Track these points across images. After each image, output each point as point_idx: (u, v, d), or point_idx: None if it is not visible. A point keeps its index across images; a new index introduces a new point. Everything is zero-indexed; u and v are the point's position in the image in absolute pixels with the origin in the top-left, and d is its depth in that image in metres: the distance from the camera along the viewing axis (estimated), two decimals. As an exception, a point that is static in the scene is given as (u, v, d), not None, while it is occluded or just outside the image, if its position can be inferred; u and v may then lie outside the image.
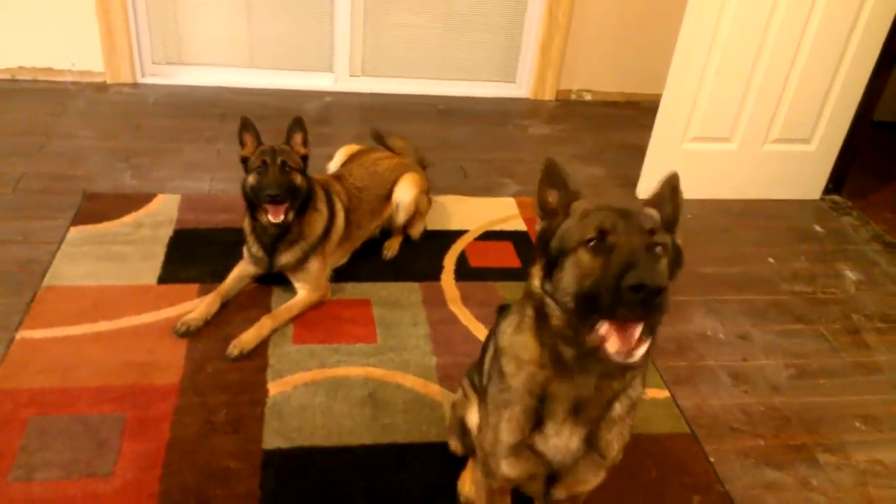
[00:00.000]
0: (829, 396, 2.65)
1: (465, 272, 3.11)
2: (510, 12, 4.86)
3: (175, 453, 2.13)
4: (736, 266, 3.39)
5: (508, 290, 2.95)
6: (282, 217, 2.65)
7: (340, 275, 2.98)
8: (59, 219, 3.14)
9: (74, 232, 3.06)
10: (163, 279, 2.85)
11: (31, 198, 3.29)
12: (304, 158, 2.78)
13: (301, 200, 2.74)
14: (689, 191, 3.83)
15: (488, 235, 3.39)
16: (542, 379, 1.43)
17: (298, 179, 2.71)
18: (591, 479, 1.56)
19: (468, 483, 2.09)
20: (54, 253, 2.91)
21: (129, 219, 3.19)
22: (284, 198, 2.64)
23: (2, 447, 2.09)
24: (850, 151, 3.99)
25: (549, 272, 1.36)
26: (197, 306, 2.66)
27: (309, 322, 2.73)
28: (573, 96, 5.10)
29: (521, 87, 5.07)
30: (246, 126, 2.73)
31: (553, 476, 1.53)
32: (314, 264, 2.80)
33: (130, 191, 3.44)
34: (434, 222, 3.43)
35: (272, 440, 2.21)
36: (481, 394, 1.69)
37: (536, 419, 1.48)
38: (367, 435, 2.28)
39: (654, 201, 1.44)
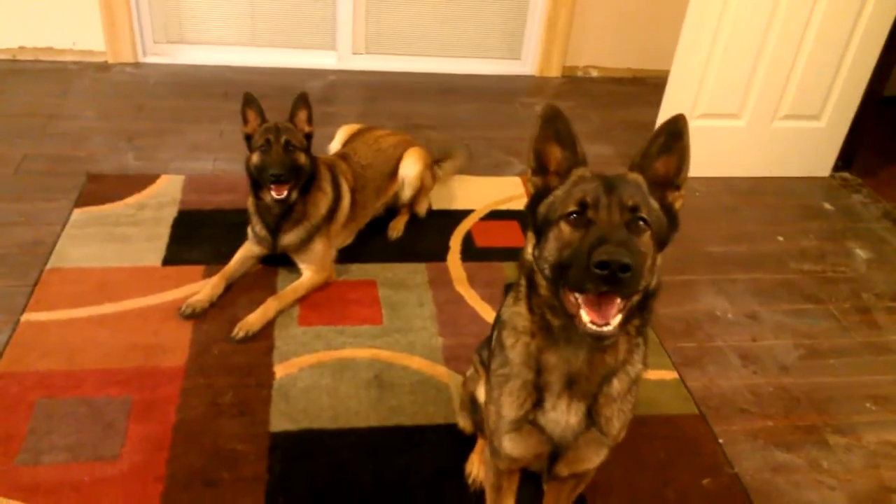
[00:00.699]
0: (839, 377, 2.63)
1: (471, 252, 3.08)
2: (515, -12, 4.80)
3: (181, 436, 2.13)
4: (744, 245, 3.36)
5: (515, 270, 2.92)
6: (284, 193, 2.62)
7: (345, 255, 2.96)
8: (63, 200, 3.12)
9: (78, 213, 3.04)
10: (167, 261, 2.84)
11: (34, 179, 3.27)
12: (308, 137, 2.75)
13: (304, 180, 2.71)
14: (696, 168, 3.79)
15: (494, 215, 3.36)
16: (535, 349, 1.44)
17: (302, 158, 2.69)
18: (593, 457, 1.56)
19: (476, 465, 2.09)
20: (58, 235, 2.90)
21: (132, 200, 3.17)
22: (288, 177, 2.62)
23: (10, 430, 2.09)
24: (859, 128, 3.94)
25: (538, 240, 1.37)
26: (202, 288, 2.65)
27: (314, 303, 2.71)
28: (579, 73, 5.04)
29: (526, 64, 5.02)
30: (249, 102, 2.69)
31: (556, 453, 1.52)
32: (318, 245, 2.78)
33: (134, 172, 3.41)
34: (439, 202, 3.40)
35: (279, 422, 2.21)
36: (487, 370, 1.68)
37: (537, 395, 1.47)
38: (374, 417, 2.27)
39: (654, 151, 1.39)
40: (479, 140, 4.04)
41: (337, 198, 2.86)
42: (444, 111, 4.36)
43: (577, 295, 1.27)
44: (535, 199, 1.43)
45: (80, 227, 2.97)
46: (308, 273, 2.77)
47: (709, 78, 3.62)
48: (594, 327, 1.26)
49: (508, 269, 2.97)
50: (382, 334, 2.60)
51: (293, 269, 2.81)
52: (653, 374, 2.52)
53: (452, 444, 2.17)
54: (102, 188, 3.23)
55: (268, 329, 2.56)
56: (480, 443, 2.10)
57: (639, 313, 1.39)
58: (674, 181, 1.40)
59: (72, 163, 3.42)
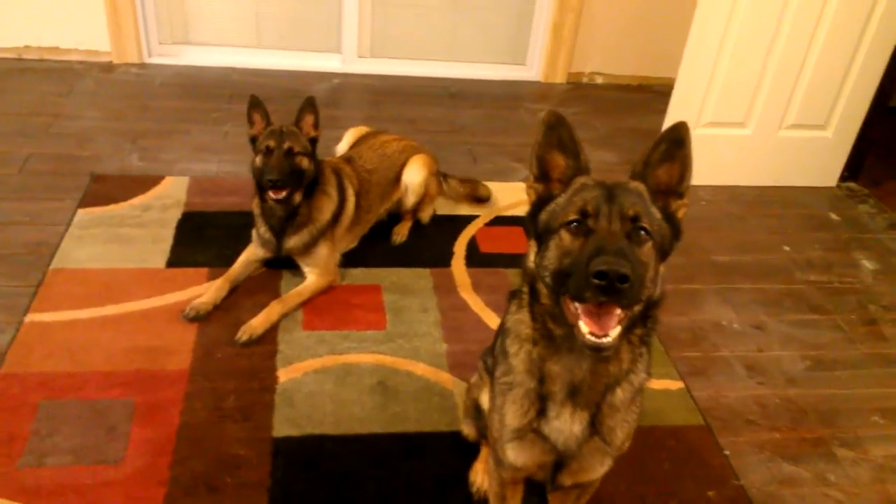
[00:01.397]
0: (846, 389, 2.62)
1: (475, 258, 3.07)
2: (522, -7, 4.80)
3: (184, 440, 2.11)
4: (750, 254, 3.35)
5: (519, 277, 2.91)
6: (283, 195, 2.61)
7: (350, 260, 2.95)
8: (67, 200, 3.11)
9: (82, 214, 3.03)
10: (171, 263, 2.83)
11: (39, 179, 3.26)
12: (314, 141, 2.73)
13: (307, 184, 2.70)
14: (702, 177, 3.83)
15: (499, 221, 3.35)
16: (537, 357, 1.43)
17: (305, 163, 2.67)
18: (597, 467, 1.55)
19: (480, 473, 2.07)
20: (62, 235, 2.89)
21: (137, 201, 3.16)
22: (285, 183, 2.60)
23: (12, 431, 2.08)
24: (866, 138, 3.93)
25: (540, 248, 1.36)
26: (206, 291, 2.64)
27: (319, 308, 2.70)
28: (585, 79, 5.03)
29: (531, 70, 5.01)
30: (255, 105, 2.69)
31: (560, 463, 1.51)
32: (323, 249, 2.77)
33: (138, 173, 3.40)
34: (444, 207, 3.39)
35: (282, 428, 2.19)
36: (492, 377, 1.67)
37: (540, 404, 1.46)
38: (378, 423, 2.25)
39: (655, 159, 1.38)
40: (484, 146, 4.03)
41: (341, 202, 2.85)
42: (449, 116, 4.35)
43: (576, 305, 1.27)
44: (537, 206, 1.42)
45: (84, 227, 2.96)
46: (312, 277, 2.76)
47: (715, 86, 3.61)
48: (593, 339, 1.25)
49: (513, 276, 2.95)
50: (387, 340, 2.58)
51: (297, 272, 2.80)
52: (658, 385, 2.50)
53: (456, 451, 2.16)
54: (107, 189, 3.22)
55: (272, 333, 2.54)
56: (484, 451, 2.09)
57: (642, 322, 1.38)
58: (676, 189, 1.39)
59: (76, 163, 3.42)
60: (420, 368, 2.47)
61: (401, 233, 3.16)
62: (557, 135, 1.40)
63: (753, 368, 2.66)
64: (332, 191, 2.82)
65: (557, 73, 4.93)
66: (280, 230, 2.74)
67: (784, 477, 2.24)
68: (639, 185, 1.37)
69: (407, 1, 4.72)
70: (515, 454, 1.54)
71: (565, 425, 1.45)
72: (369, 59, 4.83)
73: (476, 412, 2.02)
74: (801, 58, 3.60)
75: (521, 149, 4.01)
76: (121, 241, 2.90)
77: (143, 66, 4.48)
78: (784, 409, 2.49)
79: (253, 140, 2.71)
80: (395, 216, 3.22)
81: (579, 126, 4.26)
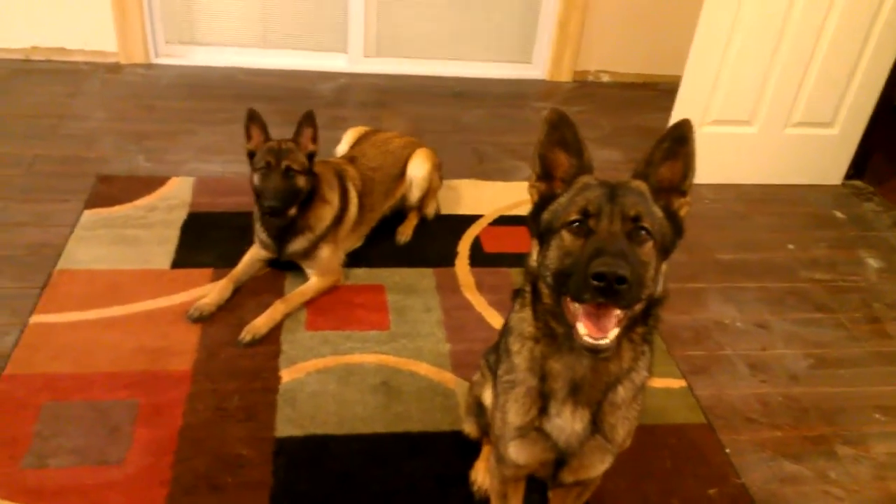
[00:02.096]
0: (849, 387, 2.61)
1: (479, 258, 3.07)
2: (527, -9, 4.79)
3: (187, 440, 2.13)
4: (754, 253, 3.34)
5: (522, 276, 2.91)
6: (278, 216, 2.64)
7: (353, 260, 2.96)
8: (73, 201, 3.13)
9: (88, 215, 3.05)
10: (176, 263, 2.84)
11: (45, 180, 3.29)
12: (311, 156, 2.72)
13: (302, 199, 2.69)
14: (707, 175, 3.82)
15: (503, 220, 3.35)
16: (539, 354, 1.44)
17: (301, 182, 2.65)
18: (598, 465, 1.55)
19: (482, 472, 2.08)
20: (67, 236, 2.91)
21: (142, 202, 3.18)
22: (283, 208, 2.61)
23: (16, 432, 2.09)
24: (872, 136, 3.91)
25: (542, 247, 1.37)
26: (210, 291, 2.65)
27: (322, 308, 2.71)
28: (590, 77, 5.02)
29: (537, 68, 5.00)
30: (253, 118, 2.68)
31: (561, 460, 1.52)
32: (325, 251, 2.78)
33: (144, 173, 3.42)
34: (448, 207, 3.40)
35: (285, 428, 2.20)
36: (494, 375, 1.68)
37: (542, 402, 1.47)
38: (380, 423, 2.26)
39: (658, 157, 1.37)
40: (489, 144, 4.03)
41: (344, 205, 2.86)
42: (455, 115, 4.35)
43: (576, 305, 1.28)
44: (540, 205, 1.43)
45: (90, 228, 2.98)
46: (315, 278, 2.77)
47: (721, 84, 3.60)
48: (590, 340, 1.26)
49: (517, 275, 2.95)
50: (390, 340, 2.59)
51: (301, 272, 2.81)
52: (660, 383, 2.50)
53: (458, 451, 2.17)
54: (112, 190, 3.24)
55: (275, 333, 2.56)
56: (486, 450, 2.10)
57: (643, 321, 1.38)
58: (679, 187, 1.39)
59: (82, 164, 3.44)
60: (423, 368, 2.48)
61: (405, 232, 3.17)
62: (560, 133, 1.40)
63: (756, 367, 2.66)
64: (334, 197, 2.81)
65: (563, 71, 4.93)
66: (279, 237, 2.75)
67: (785, 475, 2.23)
68: (640, 185, 1.37)
69: (413, 0, 4.72)
70: (517, 452, 1.55)
71: (567, 423, 1.46)
72: (375, 59, 4.84)
73: (478, 410, 2.04)
74: (807, 55, 3.59)
75: (527, 147, 3.98)
76: (126, 242, 2.92)
77: (149, 66, 4.50)
78: (786, 408, 2.49)
79: (250, 155, 2.69)
80: (398, 215, 3.23)
81: (585, 124, 4.29)
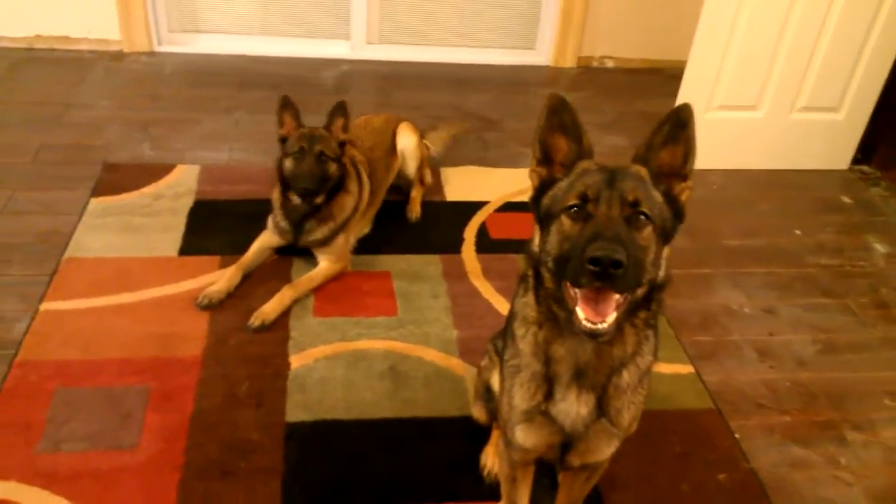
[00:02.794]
0: (857, 372, 2.61)
1: (485, 244, 3.08)
2: (531, -23, 4.77)
3: (199, 426, 2.14)
4: (761, 238, 3.34)
5: (524, 261, 2.92)
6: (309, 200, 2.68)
7: (360, 247, 2.96)
8: (79, 189, 3.13)
9: (95, 203, 3.06)
10: (184, 251, 2.85)
11: (51, 169, 3.29)
12: (342, 144, 2.76)
13: (332, 186, 2.74)
14: (713, 160, 3.80)
15: (509, 207, 3.35)
16: (543, 339, 1.45)
17: (332, 168, 2.70)
18: (604, 448, 1.56)
19: (491, 457, 2.09)
20: (75, 224, 2.91)
21: (148, 190, 3.18)
22: (316, 191, 2.66)
23: (29, 418, 2.11)
24: (879, 120, 3.90)
25: (543, 232, 1.38)
26: (219, 279, 2.66)
27: (330, 295, 2.71)
28: (594, 63, 5.01)
29: (540, 54, 4.99)
30: (286, 105, 2.72)
31: (568, 444, 1.53)
32: (340, 239, 2.81)
33: (149, 161, 3.42)
34: (454, 194, 3.40)
35: (294, 413, 2.21)
36: (501, 359, 1.69)
37: (547, 386, 1.48)
38: (389, 408, 2.27)
39: (658, 141, 1.37)
40: (494, 131, 4.02)
41: (360, 191, 2.89)
42: (458, 102, 4.34)
43: (575, 290, 1.28)
44: (540, 190, 1.43)
45: (97, 216, 2.98)
46: (325, 263, 2.78)
47: (726, 69, 3.59)
48: (589, 325, 1.27)
49: (522, 261, 2.95)
50: (397, 326, 2.60)
51: (309, 259, 2.82)
52: (668, 369, 2.51)
53: (466, 436, 2.17)
54: (119, 178, 3.24)
55: (283, 320, 2.56)
56: (495, 435, 2.10)
57: (646, 306, 1.38)
58: (680, 171, 1.39)
59: (88, 152, 3.44)
60: (430, 354, 2.49)
61: (414, 209, 3.20)
62: (560, 118, 1.40)
63: (764, 352, 2.66)
64: (354, 187, 2.85)
65: (567, 57, 4.91)
66: (298, 224, 2.76)
67: (794, 460, 2.24)
68: (640, 169, 1.37)
69: (415, -14, 4.71)
70: (524, 436, 1.56)
71: (572, 407, 1.47)
72: (378, 45, 4.82)
73: (487, 395, 2.04)
74: (813, 40, 3.57)
75: (531, 134, 3.98)
76: (133, 230, 2.93)
77: (152, 54, 4.49)
78: (795, 393, 2.49)
79: (282, 140, 2.74)
80: (400, 206, 3.23)
81: (589, 110, 4.29)
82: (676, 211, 1.38)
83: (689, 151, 1.38)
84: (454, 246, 3.05)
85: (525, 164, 3.72)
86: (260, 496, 1.96)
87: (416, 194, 3.26)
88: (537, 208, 1.42)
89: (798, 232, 3.41)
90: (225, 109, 3.96)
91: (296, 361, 2.40)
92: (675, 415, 2.34)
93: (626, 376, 1.45)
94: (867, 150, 4.00)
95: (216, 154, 3.54)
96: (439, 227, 3.17)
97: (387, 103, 4.16)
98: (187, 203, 3.12)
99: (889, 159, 4.04)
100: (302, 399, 2.27)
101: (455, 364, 2.46)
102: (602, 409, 1.47)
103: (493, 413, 2.02)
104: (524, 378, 1.51)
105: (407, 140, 3.18)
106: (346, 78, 4.50)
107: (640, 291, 1.32)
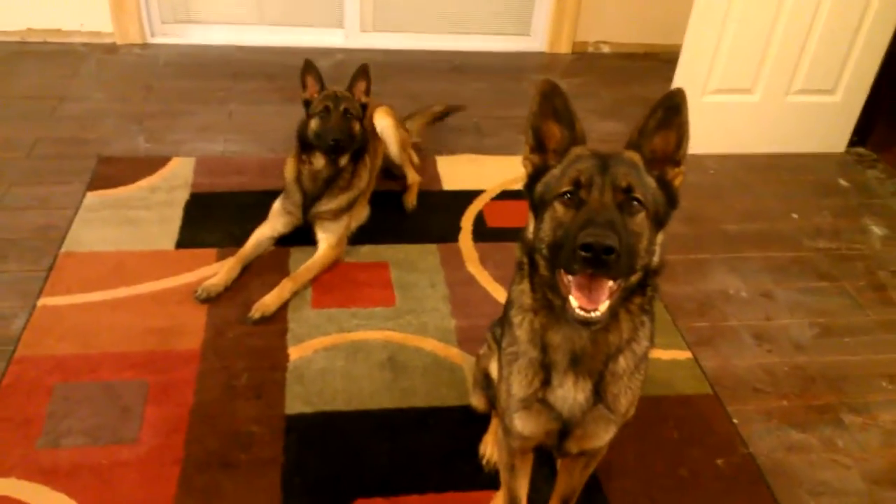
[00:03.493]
0: (855, 355, 2.62)
1: (482, 233, 3.07)
2: (525, -38, 4.74)
3: (198, 418, 2.15)
4: (758, 222, 3.34)
5: (519, 249, 2.92)
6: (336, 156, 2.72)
7: (357, 237, 2.96)
8: (75, 183, 3.13)
9: (91, 197, 3.05)
10: (180, 244, 2.85)
11: (46, 163, 3.28)
12: (364, 107, 2.82)
13: (357, 147, 2.78)
14: (709, 145, 3.79)
15: (506, 195, 3.35)
16: (539, 326, 1.45)
17: (357, 127, 2.76)
18: (601, 434, 1.56)
19: (489, 445, 2.10)
20: (71, 219, 2.91)
21: (144, 183, 3.17)
22: (345, 143, 2.70)
23: (29, 414, 2.11)
24: (875, 103, 3.89)
25: (536, 219, 1.38)
26: (217, 271, 2.66)
27: (327, 286, 2.72)
28: (590, 49, 4.98)
29: (536, 40, 4.96)
30: (308, 68, 2.78)
31: (566, 430, 1.53)
32: (344, 220, 2.83)
33: (144, 154, 3.41)
34: (450, 182, 3.40)
35: (294, 405, 2.22)
36: (500, 347, 1.69)
37: (544, 373, 1.48)
38: (388, 399, 2.28)
39: (651, 126, 1.37)
40: (489, 119, 4.01)
41: (372, 165, 2.94)
42: (454, 89, 4.32)
43: (569, 277, 1.28)
44: (534, 177, 1.43)
45: (93, 210, 2.97)
46: (324, 246, 2.79)
47: (721, 52, 3.57)
48: (582, 313, 1.27)
49: (517, 249, 2.95)
50: (395, 316, 2.60)
51: (305, 250, 2.81)
52: (666, 354, 2.51)
53: (466, 425, 2.18)
54: (114, 171, 3.23)
55: (282, 312, 2.57)
56: (494, 423, 2.11)
57: (641, 291, 1.39)
58: (673, 157, 1.39)
59: (83, 146, 3.43)
60: (429, 344, 2.49)
61: (410, 199, 3.20)
62: (552, 104, 1.40)
63: (761, 337, 2.67)
64: (370, 159, 2.90)
65: (562, 43, 4.89)
66: (315, 195, 2.78)
67: (792, 444, 2.25)
68: (633, 155, 1.37)
69: (409, -26, 4.68)
70: (522, 423, 1.57)
71: (569, 394, 1.47)
72: (372, 34, 4.80)
73: (485, 382, 2.06)
74: (808, 22, 3.56)
75: (525, 121, 3.98)
76: (130, 224, 2.92)
77: (145, 46, 4.47)
78: (792, 377, 2.50)
79: (306, 104, 2.78)
80: (396, 196, 3.23)
81: (585, 96, 4.28)
82: (670, 196, 1.38)
83: (682, 137, 1.37)
84: (451, 235, 3.05)
85: (521, 152, 3.71)
86: (260, 488, 1.97)
87: (413, 183, 3.25)
88: (531, 195, 1.42)
89: (795, 215, 3.41)
90: (219, 101, 3.94)
91: (294, 353, 2.41)
92: (672, 400, 2.35)
93: (623, 362, 1.46)
94: (863, 132, 3.99)
95: (211, 146, 3.53)
96: (436, 216, 3.17)
97: (382, 92, 4.11)
98: (183, 195, 3.12)
99: (885, 141, 4.04)
100: (301, 391, 2.27)
101: (453, 353, 2.46)
102: (599, 394, 1.47)
103: (492, 401, 2.03)
104: (521, 365, 1.51)
105: (383, 121, 3.18)
106: (341, 67, 4.47)
107: (635, 278, 1.32)
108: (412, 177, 3.27)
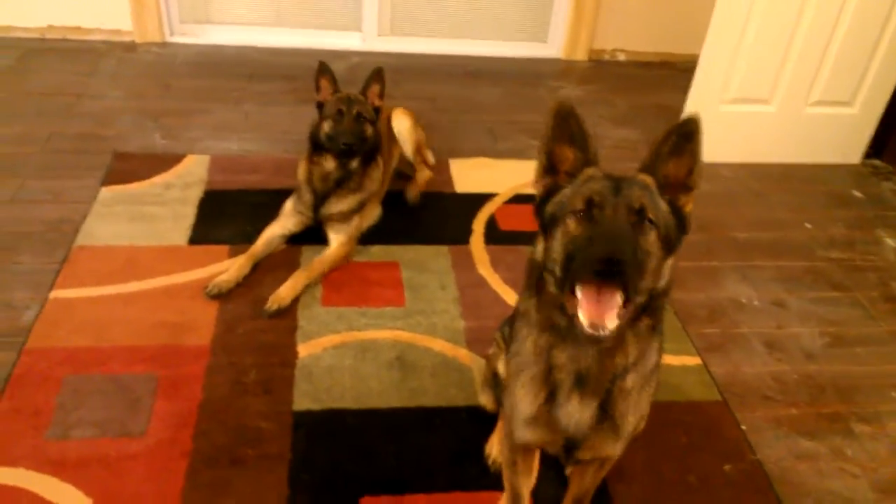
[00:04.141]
0: (865, 365, 2.60)
1: (494, 236, 3.07)
2: (542, -31, 4.75)
3: (207, 413, 2.15)
4: (771, 231, 3.32)
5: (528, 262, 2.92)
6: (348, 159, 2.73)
7: (368, 237, 2.96)
8: (90, 178, 3.15)
9: (105, 192, 3.07)
10: (193, 240, 2.86)
11: (62, 157, 3.31)
12: (377, 110, 2.83)
13: (368, 150, 2.79)
14: (724, 153, 3.78)
15: (518, 199, 3.34)
16: (545, 344, 1.44)
17: (369, 130, 2.77)
18: (609, 449, 1.55)
19: (496, 446, 2.09)
20: (85, 213, 2.93)
21: (159, 179, 3.20)
22: (357, 149, 2.71)
23: (39, 405, 2.13)
24: (892, 115, 3.87)
25: (546, 238, 1.36)
26: (228, 268, 2.67)
27: (338, 284, 2.72)
28: (606, 56, 4.98)
29: (552, 47, 4.97)
30: (323, 71, 2.79)
31: (572, 444, 1.52)
32: (355, 220, 2.84)
33: (160, 151, 3.44)
34: (463, 185, 3.40)
35: (302, 402, 2.23)
36: (507, 346, 1.69)
37: (549, 389, 1.47)
38: (396, 398, 2.28)
39: (665, 151, 1.36)
40: (504, 123, 4.02)
41: (385, 167, 2.96)
42: (469, 94, 4.34)
43: (578, 292, 1.27)
44: (545, 198, 1.42)
45: (108, 205, 3.00)
46: (335, 244, 2.81)
47: (739, 62, 3.56)
48: (591, 330, 1.26)
49: (531, 253, 2.95)
50: (404, 316, 2.60)
51: (317, 249, 2.82)
52: (676, 360, 2.50)
53: (473, 426, 2.18)
54: (129, 167, 3.26)
55: (292, 309, 2.57)
56: (501, 424, 2.11)
57: (649, 314, 1.37)
58: (685, 183, 1.38)
59: (99, 141, 3.46)
60: (438, 344, 2.49)
61: (413, 191, 3.23)
62: (568, 127, 1.39)
63: (772, 345, 2.65)
64: (380, 159, 2.91)
65: (579, 50, 4.89)
66: (325, 195, 2.79)
67: (801, 452, 2.24)
68: (646, 178, 1.36)
69: (427, -22, 4.70)
70: (526, 434, 1.56)
71: (574, 411, 1.46)
72: (389, 37, 4.82)
73: (494, 380, 2.06)
74: (827, 33, 3.55)
75: (542, 127, 3.98)
76: (143, 219, 2.94)
77: (164, 45, 4.51)
78: (802, 386, 2.49)
79: (319, 106, 2.79)
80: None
81: (600, 103, 4.28)
82: (680, 222, 1.37)
83: (694, 164, 1.37)
84: (463, 237, 3.05)
85: (534, 157, 3.72)
86: (267, 483, 1.98)
87: (420, 178, 3.28)
88: (541, 216, 1.41)
89: (809, 225, 3.39)
90: (235, 100, 3.97)
91: (304, 350, 2.41)
92: (682, 406, 2.34)
93: (631, 380, 1.44)
94: (879, 144, 3.97)
95: (226, 144, 3.55)
96: (448, 218, 3.17)
97: (397, 95, 4.15)
98: (197, 193, 3.14)
99: (901, 154, 4.01)
100: (310, 388, 2.28)
101: (462, 354, 2.46)
102: (606, 411, 1.46)
103: (501, 399, 2.03)
104: (526, 379, 1.51)
105: (400, 123, 3.21)
106: (357, 70, 4.49)
107: (641, 299, 1.30)
108: (423, 174, 3.29)
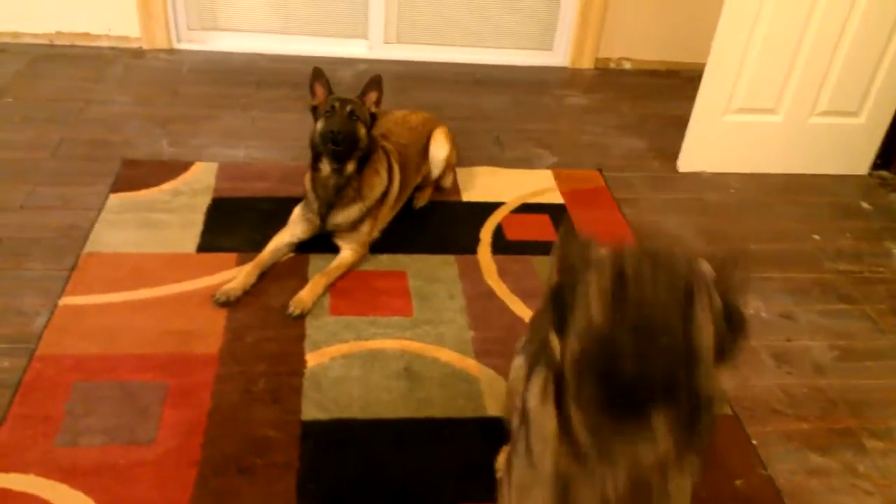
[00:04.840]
0: (876, 379, 2.59)
1: (501, 245, 3.07)
2: (549, -22, 4.76)
3: (215, 422, 2.15)
4: (779, 243, 3.31)
5: (545, 265, 2.91)
6: (340, 149, 2.70)
7: (375, 246, 2.96)
8: (99, 185, 3.15)
9: (114, 198, 3.08)
10: (201, 248, 2.86)
11: (71, 164, 3.31)
12: (373, 117, 2.81)
13: (362, 154, 2.77)
14: (731, 164, 3.78)
15: (525, 208, 3.34)
16: (564, 467, 1.18)
17: (362, 131, 2.75)
18: None
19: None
20: (94, 219, 2.93)
21: (167, 186, 3.20)
22: (347, 144, 2.69)
23: (48, 411, 2.12)
24: (900, 125, 3.87)
25: (560, 334, 1.12)
26: (236, 276, 2.67)
27: (345, 293, 2.72)
28: (612, 65, 4.99)
29: (558, 55, 4.97)
30: (318, 76, 2.78)
31: None
32: (366, 226, 2.85)
33: (168, 158, 3.44)
34: (470, 194, 3.40)
35: (310, 411, 2.22)
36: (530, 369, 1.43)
37: None
38: (404, 408, 2.27)
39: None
40: (510, 132, 4.02)
41: (390, 180, 2.93)
42: (475, 102, 4.34)
43: None
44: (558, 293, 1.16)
45: (117, 212, 3.00)
46: (348, 251, 2.81)
47: (745, 71, 3.56)
48: None
49: (538, 264, 2.95)
50: (412, 326, 2.60)
51: (325, 257, 2.82)
52: (685, 372, 2.49)
53: (482, 437, 2.17)
54: (138, 174, 3.26)
55: (299, 318, 2.57)
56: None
57: (687, 429, 1.11)
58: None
59: (107, 148, 3.46)
60: (446, 355, 2.49)
61: (423, 197, 3.25)
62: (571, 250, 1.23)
63: (781, 358, 2.64)
64: (383, 170, 2.89)
65: (584, 58, 4.89)
66: (329, 204, 2.79)
67: (812, 467, 2.23)
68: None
69: (433, -14, 4.71)
70: None
71: None
72: (396, 45, 4.83)
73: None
74: (833, 43, 3.54)
75: (548, 135, 3.99)
76: (152, 226, 2.94)
77: (172, 51, 4.52)
78: (812, 399, 2.48)
79: (314, 110, 2.80)
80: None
81: (607, 112, 4.28)
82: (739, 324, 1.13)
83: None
84: (470, 246, 3.05)
85: (541, 165, 3.76)
86: (276, 493, 1.97)
87: (429, 188, 3.30)
88: (560, 310, 1.14)
89: (816, 237, 3.39)
90: (243, 107, 3.98)
91: (312, 360, 2.41)
92: (691, 419, 2.33)
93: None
94: (887, 155, 3.95)
95: (234, 151, 3.56)
96: (455, 228, 3.17)
97: (404, 103, 4.15)
98: (205, 200, 3.14)
99: (909, 165, 4.01)
100: (318, 397, 2.27)
101: (470, 365, 2.46)
102: None
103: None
104: (537, 499, 1.25)
105: (440, 149, 3.21)
106: (364, 77, 4.41)
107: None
108: (431, 185, 3.31)
